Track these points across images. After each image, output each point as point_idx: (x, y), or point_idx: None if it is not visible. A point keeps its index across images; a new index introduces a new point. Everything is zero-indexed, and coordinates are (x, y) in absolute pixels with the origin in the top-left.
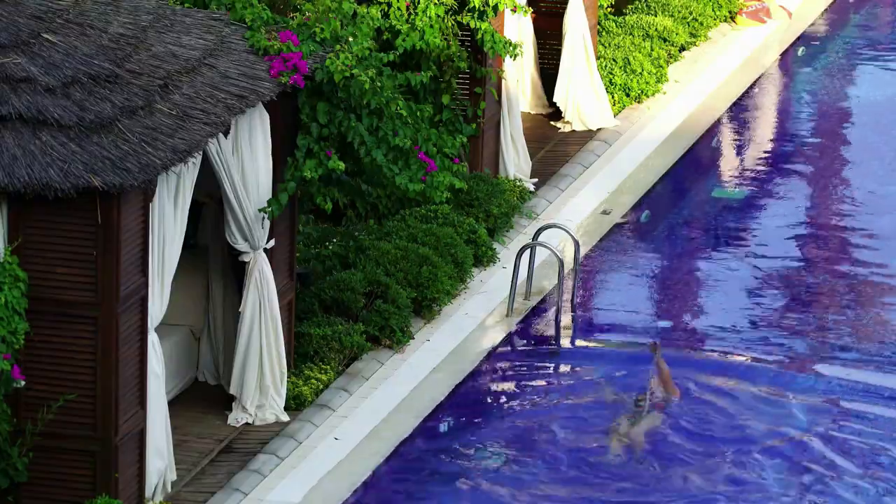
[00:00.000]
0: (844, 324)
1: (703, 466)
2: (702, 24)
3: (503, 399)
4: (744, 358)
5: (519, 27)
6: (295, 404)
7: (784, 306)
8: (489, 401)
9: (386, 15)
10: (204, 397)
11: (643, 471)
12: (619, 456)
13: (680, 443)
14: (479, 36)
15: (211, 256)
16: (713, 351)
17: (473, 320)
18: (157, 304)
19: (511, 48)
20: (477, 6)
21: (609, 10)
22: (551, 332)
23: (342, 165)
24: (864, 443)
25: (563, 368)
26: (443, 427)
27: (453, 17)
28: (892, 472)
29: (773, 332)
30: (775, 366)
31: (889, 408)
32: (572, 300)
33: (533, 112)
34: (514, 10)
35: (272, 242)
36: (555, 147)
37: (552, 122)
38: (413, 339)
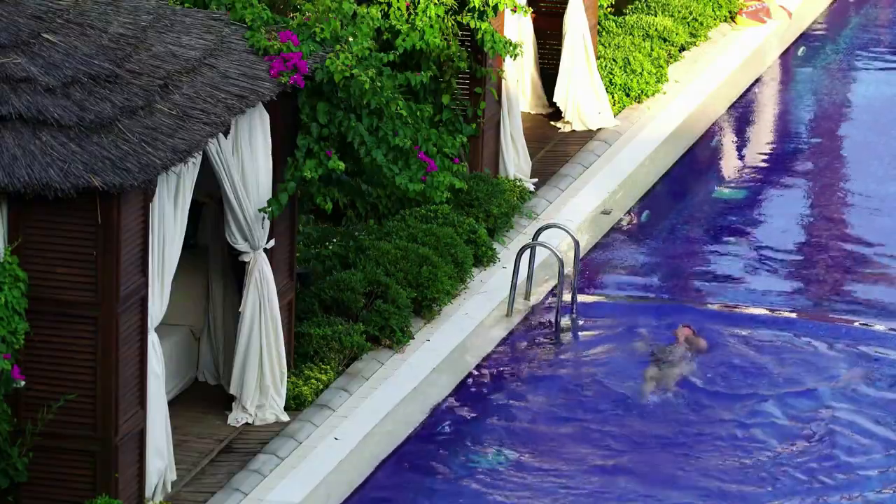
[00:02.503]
0: (844, 320)
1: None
2: (702, 24)
3: (503, 399)
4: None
5: (519, 27)
6: (295, 404)
7: (784, 305)
8: (489, 401)
9: (386, 15)
10: (204, 397)
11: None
12: (648, 399)
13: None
14: (479, 36)
15: (211, 256)
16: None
17: (473, 320)
18: (157, 304)
19: (511, 48)
20: (477, 6)
21: (609, 10)
22: (551, 331)
23: (342, 165)
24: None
25: (564, 367)
26: (442, 427)
27: (453, 17)
28: None
29: (777, 330)
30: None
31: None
32: (572, 300)
33: (533, 112)
34: (514, 10)
35: (272, 242)
36: (555, 147)
37: (552, 122)
38: (413, 339)
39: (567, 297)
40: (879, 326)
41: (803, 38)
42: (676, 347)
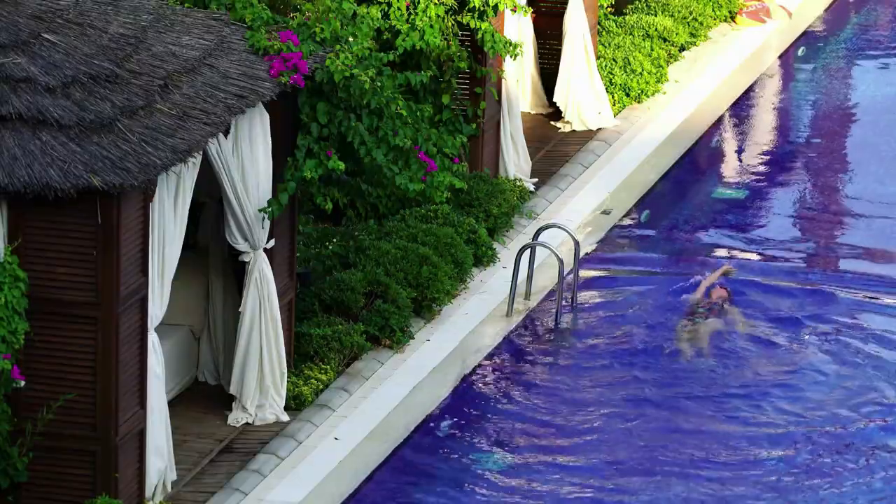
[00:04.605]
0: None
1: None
2: (702, 24)
3: (503, 399)
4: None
5: (519, 27)
6: (295, 404)
7: (785, 304)
8: (489, 401)
9: (386, 15)
10: (204, 397)
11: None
12: (691, 356)
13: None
14: (479, 36)
15: (211, 256)
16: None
17: (473, 320)
18: (157, 304)
19: (511, 48)
20: (477, 6)
21: (609, 10)
22: (551, 331)
23: (342, 165)
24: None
25: (564, 367)
26: (443, 427)
27: (453, 17)
28: None
29: (780, 327)
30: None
31: None
32: (573, 300)
33: (533, 112)
34: (514, 10)
35: (272, 242)
36: (555, 147)
37: (552, 122)
38: (413, 339)
39: (567, 296)
40: (877, 325)
41: (803, 38)
42: (711, 304)
